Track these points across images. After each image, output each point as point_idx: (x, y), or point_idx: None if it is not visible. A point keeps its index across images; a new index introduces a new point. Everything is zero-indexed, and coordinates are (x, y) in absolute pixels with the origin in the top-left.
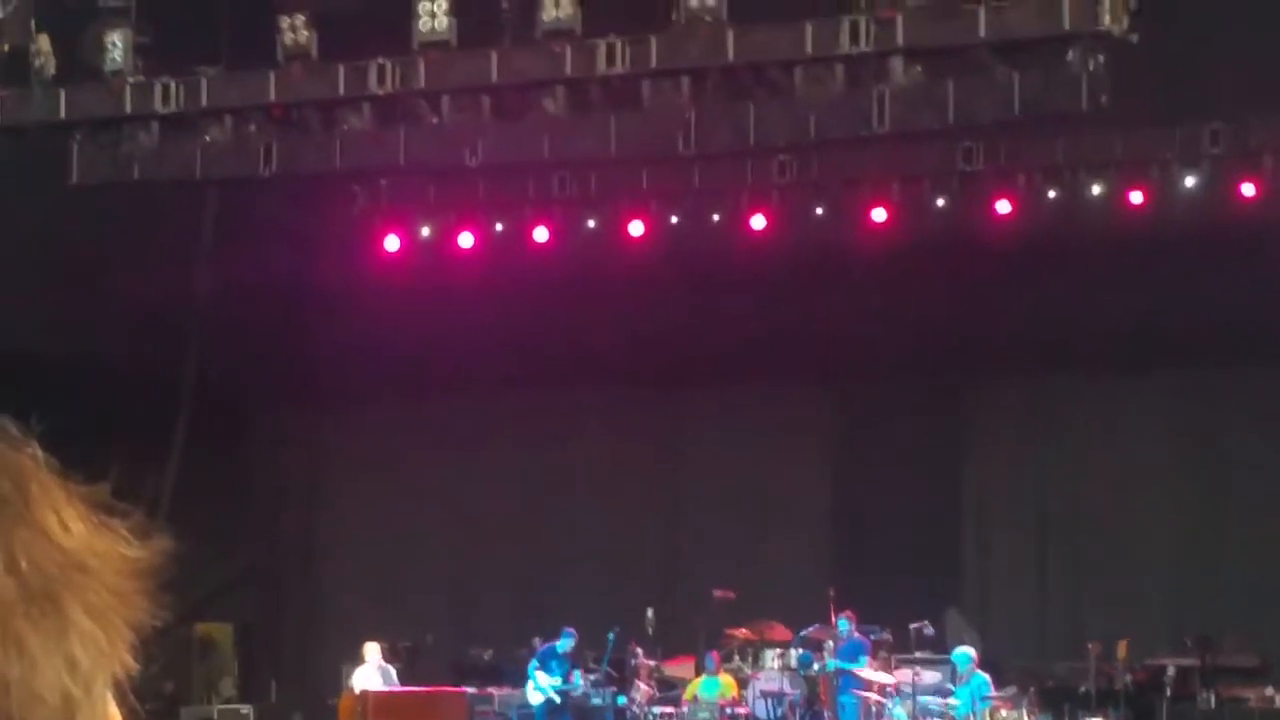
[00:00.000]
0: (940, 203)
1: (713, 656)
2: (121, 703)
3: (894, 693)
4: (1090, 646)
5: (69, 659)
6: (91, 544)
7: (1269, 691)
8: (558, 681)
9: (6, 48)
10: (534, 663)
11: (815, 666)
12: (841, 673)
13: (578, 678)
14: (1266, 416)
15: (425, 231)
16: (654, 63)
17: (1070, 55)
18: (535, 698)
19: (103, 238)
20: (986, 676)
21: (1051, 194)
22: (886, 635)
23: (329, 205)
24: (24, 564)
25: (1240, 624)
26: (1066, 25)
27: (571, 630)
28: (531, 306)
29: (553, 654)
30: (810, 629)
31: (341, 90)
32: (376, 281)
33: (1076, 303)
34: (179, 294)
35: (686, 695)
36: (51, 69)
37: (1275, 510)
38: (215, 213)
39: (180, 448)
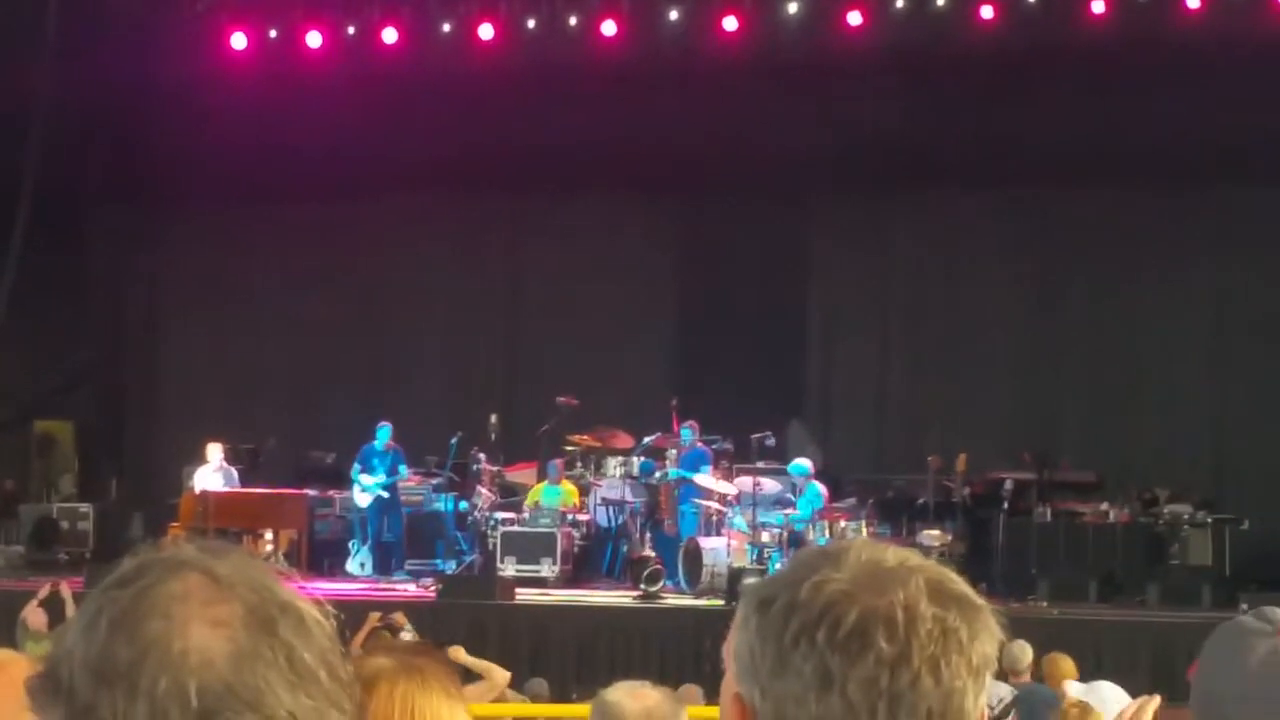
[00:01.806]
0: (792, 10)
1: (555, 464)
2: None
3: (734, 502)
4: (930, 460)
5: None
6: None
7: (1103, 506)
8: (382, 478)
9: None
10: (355, 466)
11: (657, 475)
12: (683, 481)
13: (402, 469)
14: (1107, 237)
15: (273, 32)
16: None
17: None
18: (363, 499)
19: None
20: (820, 487)
21: (899, 3)
22: (728, 445)
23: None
24: None
25: (1077, 442)
26: None
27: (386, 423)
28: (379, 111)
29: (372, 452)
30: (653, 437)
31: None
32: (222, 82)
33: (921, 118)
34: (19, 92)
35: (528, 502)
36: None
37: (1113, 330)
38: (58, 7)
39: (18, 249)
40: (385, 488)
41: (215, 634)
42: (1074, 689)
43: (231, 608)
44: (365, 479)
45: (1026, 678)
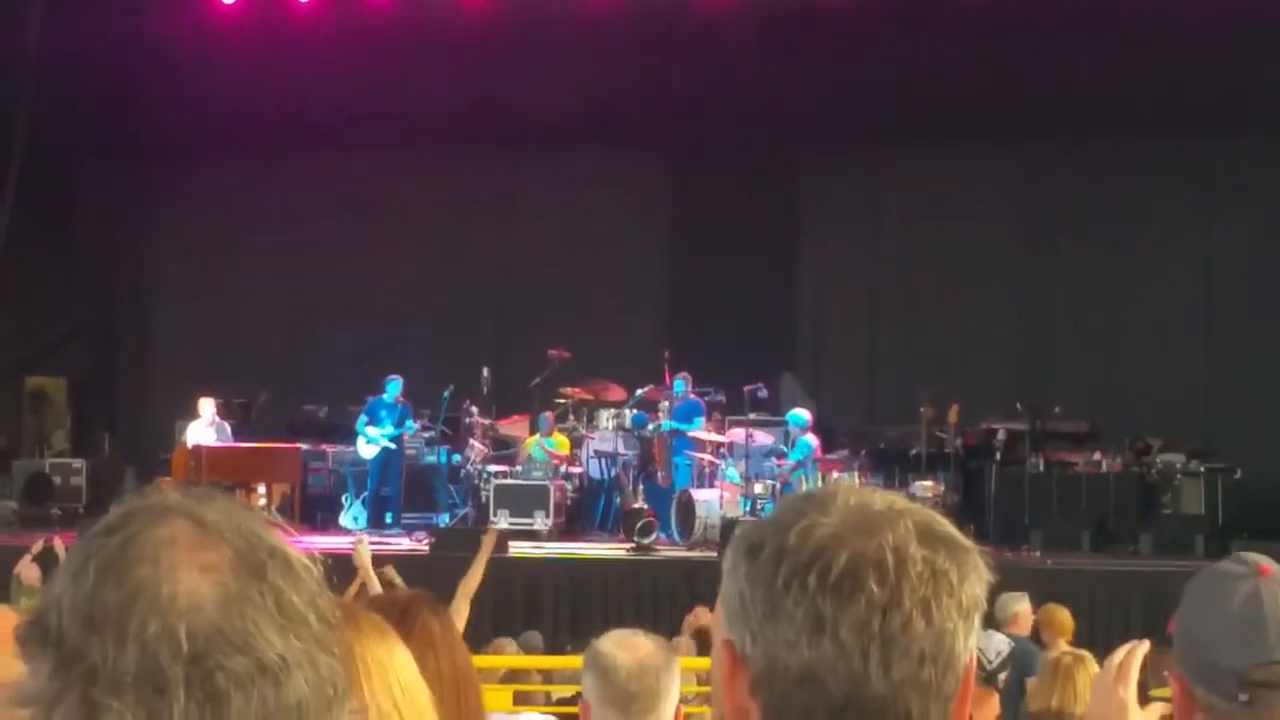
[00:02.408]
0: None
1: (546, 417)
2: None
3: (728, 454)
4: (922, 411)
5: None
6: None
7: (1096, 456)
8: (390, 430)
9: None
10: (362, 418)
11: (650, 427)
12: (676, 433)
13: (410, 424)
14: (1099, 189)
15: None
16: None
17: None
18: (368, 451)
19: None
20: (812, 439)
21: None
22: (721, 397)
23: None
24: None
25: (1069, 392)
26: None
27: (396, 377)
28: (369, 66)
29: (380, 405)
30: (645, 389)
31: None
32: (212, 37)
33: (911, 71)
34: (7, 50)
35: (520, 452)
36: None
37: (1106, 280)
38: None
39: (10, 205)
40: (393, 439)
41: (204, 578)
42: None
43: (219, 552)
44: (372, 430)
45: (1022, 629)
